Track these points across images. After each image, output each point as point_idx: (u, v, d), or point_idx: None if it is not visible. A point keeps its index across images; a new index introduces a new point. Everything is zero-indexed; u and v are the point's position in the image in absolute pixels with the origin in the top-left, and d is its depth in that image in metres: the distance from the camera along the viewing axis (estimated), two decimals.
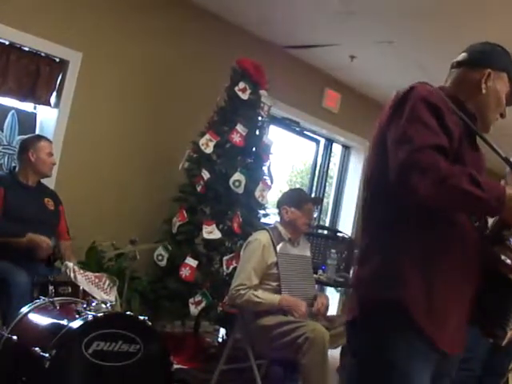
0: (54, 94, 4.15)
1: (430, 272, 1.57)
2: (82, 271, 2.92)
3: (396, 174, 1.49)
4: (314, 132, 6.63)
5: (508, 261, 1.58)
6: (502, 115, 1.79)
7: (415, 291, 1.55)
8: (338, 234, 5.06)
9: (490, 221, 1.67)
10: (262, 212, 4.63)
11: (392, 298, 1.56)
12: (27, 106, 4.24)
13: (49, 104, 4.15)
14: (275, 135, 5.64)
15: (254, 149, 4.54)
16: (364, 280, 1.65)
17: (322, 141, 6.88)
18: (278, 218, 3.72)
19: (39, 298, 2.76)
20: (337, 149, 7.12)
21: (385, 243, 1.62)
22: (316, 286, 4.14)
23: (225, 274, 4.22)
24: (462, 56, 1.81)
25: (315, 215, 5.30)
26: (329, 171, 7.05)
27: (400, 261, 1.57)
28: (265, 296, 3.33)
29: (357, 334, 1.69)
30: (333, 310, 5.68)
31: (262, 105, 4.55)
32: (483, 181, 1.45)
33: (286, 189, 6.12)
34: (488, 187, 1.45)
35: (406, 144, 1.49)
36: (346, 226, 6.85)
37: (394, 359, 1.56)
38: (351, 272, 4.57)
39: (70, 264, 2.93)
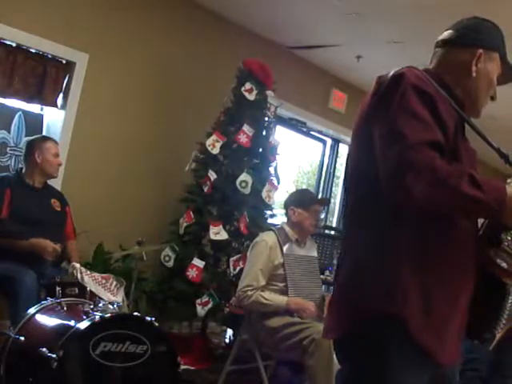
0: (61, 95, 4.16)
1: (429, 281, 1.41)
2: (89, 272, 2.92)
3: (388, 174, 1.32)
4: (321, 132, 6.63)
5: (503, 264, 1.45)
6: (493, 98, 1.61)
7: (414, 304, 1.39)
8: None
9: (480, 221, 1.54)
10: (268, 213, 4.63)
11: (390, 311, 1.39)
12: (34, 108, 4.25)
13: (55, 105, 4.16)
14: (282, 136, 5.64)
15: (260, 149, 4.53)
16: (354, 290, 1.46)
17: (329, 141, 6.87)
18: (284, 219, 3.71)
19: (46, 299, 2.77)
20: (343, 149, 7.10)
21: (378, 249, 1.43)
22: (323, 286, 4.13)
23: (232, 274, 4.21)
24: (448, 33, 1.59)
25: (322, 216, 5.29)
26: (335, 171, 7.03)
27: (397, 269, 1.40)
28: (272, 297, 3.32)
29: (348, 353, 1.49)
30: None
31: (268, 105, 4.55)
32: (483, 181, 1.30)
33: (292, 189, 6.11)
34: (488, 188, 1.29)
35: (398, 140, 1.31)
36: None
37: (395, 379, 1.40)
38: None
39: (77, 265, 2.94)
